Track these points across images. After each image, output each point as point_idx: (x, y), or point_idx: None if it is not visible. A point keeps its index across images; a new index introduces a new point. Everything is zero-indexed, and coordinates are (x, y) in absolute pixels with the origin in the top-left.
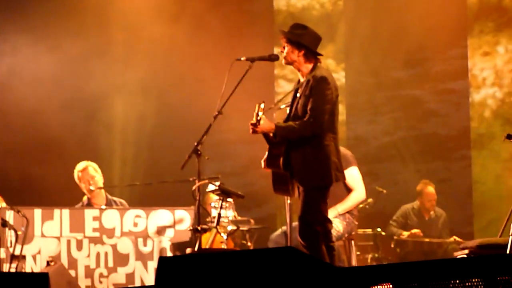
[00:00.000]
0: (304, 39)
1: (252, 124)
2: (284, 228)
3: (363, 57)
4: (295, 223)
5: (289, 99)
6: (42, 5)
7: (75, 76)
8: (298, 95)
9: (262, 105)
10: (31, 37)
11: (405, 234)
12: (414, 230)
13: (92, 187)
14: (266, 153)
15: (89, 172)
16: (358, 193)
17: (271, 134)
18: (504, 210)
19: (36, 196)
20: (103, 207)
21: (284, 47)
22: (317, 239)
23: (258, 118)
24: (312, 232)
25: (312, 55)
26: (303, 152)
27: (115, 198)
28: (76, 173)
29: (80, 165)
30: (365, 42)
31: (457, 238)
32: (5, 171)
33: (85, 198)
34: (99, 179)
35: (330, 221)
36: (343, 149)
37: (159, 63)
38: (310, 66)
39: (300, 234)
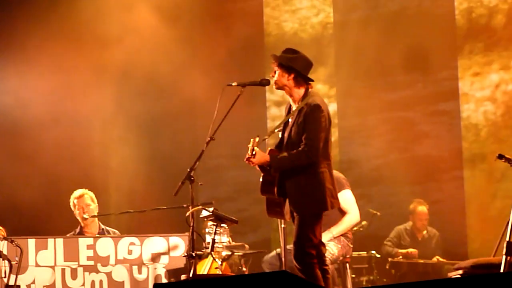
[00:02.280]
0: (295, 63)
1: (247, 159)
2: (278, 250)
3: (354, 80)
4: (289, 246)
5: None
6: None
7: (71, 104)
8: (290, 121)
9: (257, 139)
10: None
11: (402, 251)
12: (411, 250)
13: (86, 215)
14: (261, 179)
15: (84, 200)
16: (352, 215)
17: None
18: (498, 229)
19: (29, 225)
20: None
21: (275, 72)
22: (312, 262)
23: (253, 152)
24: (306, 255)
25: (303, 79)
26: (297, 180)
27: (108, 228)
28: (72, 200)
29: (77, 192)
30: (355, 65)
31: (440, 259)
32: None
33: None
34: (94, 208)
35: (323, 244)
36: (335, 173)
37: (152, 91)
38: (301, 91)
39: (294, 257)
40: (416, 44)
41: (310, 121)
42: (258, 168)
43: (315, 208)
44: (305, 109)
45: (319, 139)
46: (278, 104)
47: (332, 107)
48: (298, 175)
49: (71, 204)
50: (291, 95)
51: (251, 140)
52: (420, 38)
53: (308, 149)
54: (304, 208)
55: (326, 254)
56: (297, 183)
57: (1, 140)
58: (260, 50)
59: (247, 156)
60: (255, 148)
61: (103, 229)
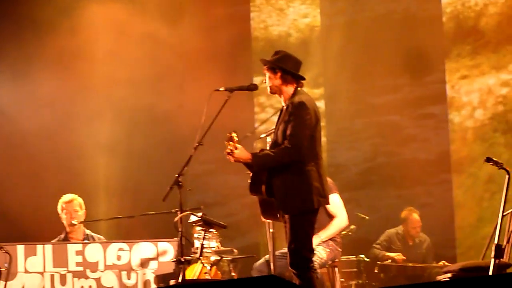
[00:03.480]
0: (281, 62)
1: (227, 153)
2: (267, 256)
3: (341, 84)
4: (278, 252)
5: (271, 127)
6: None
7: (57, 109)
8: (278, 120)
9: (234, 134)
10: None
11: (389, 255)
12: (398, 255)
13: (74, 221)
14: (249, 179)
15: (73, 206)
16: (340, 219)
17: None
18: (486, 232)
19: (17, 231)
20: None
21: (266, 76)
22: (308, 266)
23: (232, 148)
24: (302, 260)
25: (292, 78)
26: (284, 179)
27: (93, 234)
28: (60, 204)
29: (67, 197)
30: (342, 69)
31: (447, 263)
32: None
33: None
34: (82, 214)
35: (313, 250)
36: None
37: (138, 97)
38: (290, 90)
39: (290, 263)
40: (403, 47)
41: (294, 118)
42: (246, 168)
43: (301, 207)
44: (290, 107)
45: (302, 137)
46: (266, 108)
47: (319, 110)
48: (285, 174)
49: (59, 208)
50: (281, 95)
51: (227, 135)
52: (407, 41)
53: (291, 146)
54: (290, 207)
55: (314, 259)
56: (283, 182)
57: None
58: (248, 55)
59: (226, 150)
60: (237, 145)
61: (87, 235)
